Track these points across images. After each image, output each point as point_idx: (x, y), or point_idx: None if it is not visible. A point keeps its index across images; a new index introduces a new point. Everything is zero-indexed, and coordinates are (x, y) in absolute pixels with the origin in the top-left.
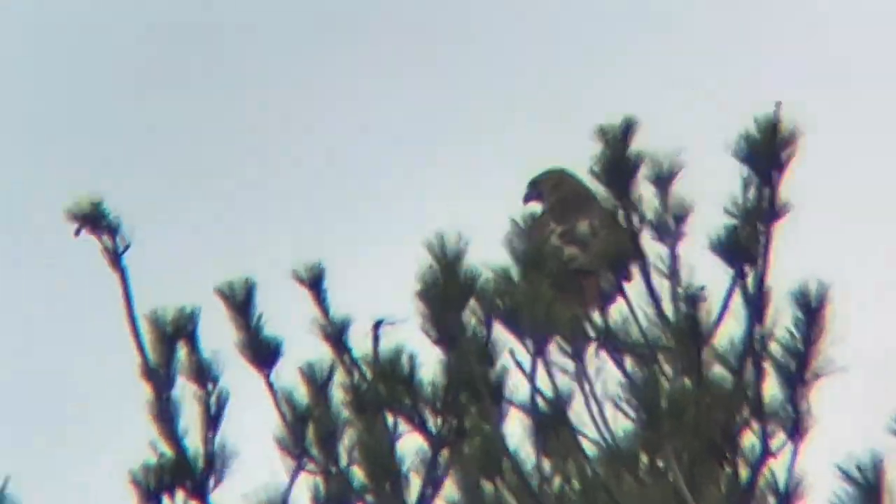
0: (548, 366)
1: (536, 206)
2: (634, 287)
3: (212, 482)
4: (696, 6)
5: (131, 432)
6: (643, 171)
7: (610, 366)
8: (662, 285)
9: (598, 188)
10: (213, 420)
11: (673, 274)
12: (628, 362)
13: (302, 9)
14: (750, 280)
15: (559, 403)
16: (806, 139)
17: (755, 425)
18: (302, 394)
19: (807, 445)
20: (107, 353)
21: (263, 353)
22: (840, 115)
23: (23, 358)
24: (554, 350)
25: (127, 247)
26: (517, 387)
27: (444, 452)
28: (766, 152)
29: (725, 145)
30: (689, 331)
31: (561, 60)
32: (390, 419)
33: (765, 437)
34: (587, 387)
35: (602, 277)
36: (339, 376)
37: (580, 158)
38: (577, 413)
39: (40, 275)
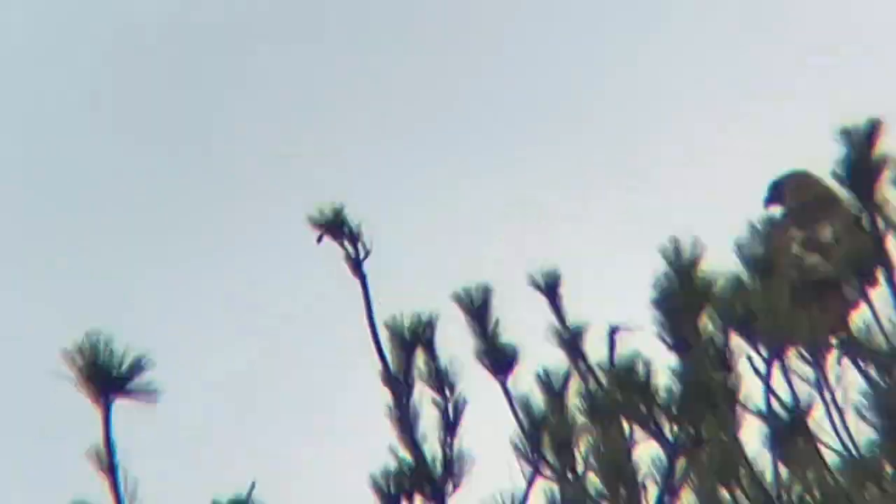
0: (786, 373)
1: (777, 210)
2: (879, 293)
3: (449, 487)
4: None
5: (371, 437)
6: (888, 174)
7: (852, 373)
8: None
9: (841, 191)
10: (450, 426)
11: None
12: (871, 370)
13: None
14: None
15: (798, 411)
16: None
17: None
18: (538, 400)
19: None
20: (348, 359)
21: (500, 359)
22: None
23: (268, 359)
24: (792, 357)
25: (367, 254)
26: (754, 394)
27: (681, 460)
28: None
29: None
30: None
31: (816, 51)
32: (626, 426)
33: None
34: (827, 395)
35: (846, 286)
36: (575, 383)
37: (823, 159)
38: (817, 421)
39: (284, 281)
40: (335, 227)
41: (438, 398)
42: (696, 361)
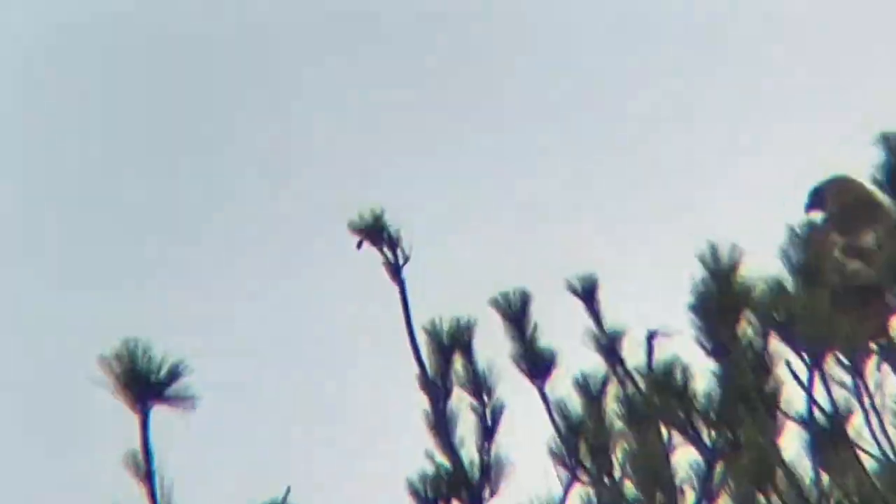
0: (825, 378)
1: (818, 215)
2: None
3: (487, 492)
4: None
5: (409, 441)
6: None
7: (891, 379)
8: None
9: (882, 197)
10: (488, 431)
11: None
12: None
13: None
14: None
15: (837, 417)
16: None
17: None
18: (576, 405)
19: None
20: (386, 363)
21: (538, 364)
22: None
23: (306, 364)
24: (831, 362)
25: (406, 259)
26: (793, 399)
27: (719, 465)
28: None
29: None
30: None
31: (847, 59)
32: (664, 431)
33: None
34: (867, 401)
35: (887, 292)
36: (613, 388)
37: (860, 164)
38: (856, 427)
39: (324, 286)
40: (375, 232)
41: (476, 403)
42: (734, 366)
